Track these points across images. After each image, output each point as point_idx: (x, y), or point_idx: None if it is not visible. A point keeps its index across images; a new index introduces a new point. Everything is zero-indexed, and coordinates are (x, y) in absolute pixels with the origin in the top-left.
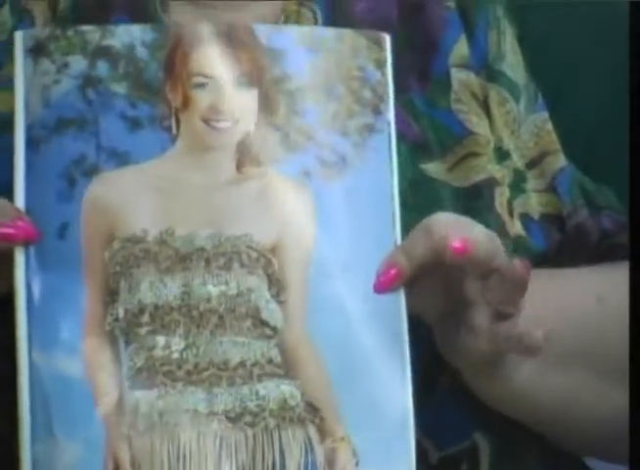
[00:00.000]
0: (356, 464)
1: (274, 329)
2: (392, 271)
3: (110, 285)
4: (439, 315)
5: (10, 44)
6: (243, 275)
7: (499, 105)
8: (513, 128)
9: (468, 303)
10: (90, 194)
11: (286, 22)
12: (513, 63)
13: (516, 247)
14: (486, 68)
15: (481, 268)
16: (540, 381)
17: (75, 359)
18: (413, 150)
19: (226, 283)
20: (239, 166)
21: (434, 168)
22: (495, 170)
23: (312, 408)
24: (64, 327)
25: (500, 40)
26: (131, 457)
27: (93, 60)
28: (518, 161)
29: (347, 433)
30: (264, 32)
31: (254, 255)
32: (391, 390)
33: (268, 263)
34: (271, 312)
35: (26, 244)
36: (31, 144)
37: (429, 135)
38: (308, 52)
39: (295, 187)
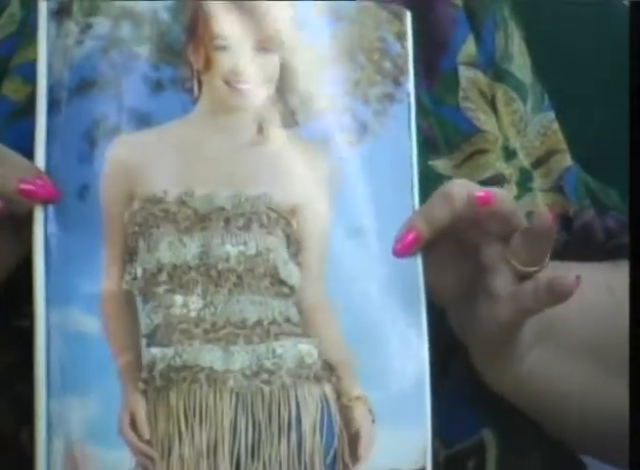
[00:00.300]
0: (372, 422)
1: (292, 288)
2: (412, 235)
3: (128, 244)
4: (456, 288)
5: (20, 33)
6: (261, 235)
7: (506, 104)
8: (519, 128)
9: (487, 268)
10: (110, 155)
11: None
12: (520, 63)
13: None
14: (493, 67)
15: (503, 225)
16: (550, 367)
17: (93, 317)
18: (421, 146)
19: (245, 243)
20: (259, 129)
21: (441, 165)
22: (503, 168)
23: (329, 367)
24: (82, 285)
25: (507, 41)
26: (147, 413)
27: (116, 21)
28: (524, 159)
29: (364, 392)
30: (285, 2)
31: (274, 215)
32: (408, 350)
33: (287, 224)
34: (289, 272)
35: (46, 203)
36: (53, 105)
37: (436, 132)
38: (330, 21)
39: (314, 151)
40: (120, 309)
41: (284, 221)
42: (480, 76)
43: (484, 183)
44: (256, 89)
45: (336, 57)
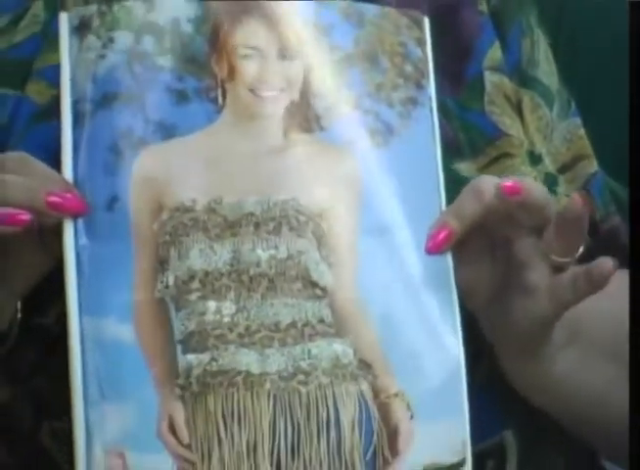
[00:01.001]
0: (411, 418)
1: (324, 290)
2: (444, 232)
3: (159, 254)
4: (489, 287)
5: (45, 35)
6: (292, 238)
7: (532, 110)
8: (545, 133)
9: (522, 264)
10: (138, 167)
11: None
12: (546, 70)
13: None
14: (519, 73)
15: (535, 216)
16: (581, 369)
17: (127, 325)
18: (445, 150)
19: (275, 247)
20: (286, 133)
21: (465, 168)
22: (528, 171)
23: (365, 365)
24: (114, 295)
25: (534, 48)
26: (185, 418)
27: (138, 35)
28: (550, 165)
29: (401, 388)
30: (308, 7)
31: (303, 218)
32: (442, 344)
33: (317, 227)
34: (321, 274)
35: (75, 216)
36: (78, 119)
37: (460, 136)
38: (353, 26)
39: (341, 153)
40: (154, 318)
41: (313, 224)
42: (505, 81)
43: None
44: (281, 95)
45: (358, 61)
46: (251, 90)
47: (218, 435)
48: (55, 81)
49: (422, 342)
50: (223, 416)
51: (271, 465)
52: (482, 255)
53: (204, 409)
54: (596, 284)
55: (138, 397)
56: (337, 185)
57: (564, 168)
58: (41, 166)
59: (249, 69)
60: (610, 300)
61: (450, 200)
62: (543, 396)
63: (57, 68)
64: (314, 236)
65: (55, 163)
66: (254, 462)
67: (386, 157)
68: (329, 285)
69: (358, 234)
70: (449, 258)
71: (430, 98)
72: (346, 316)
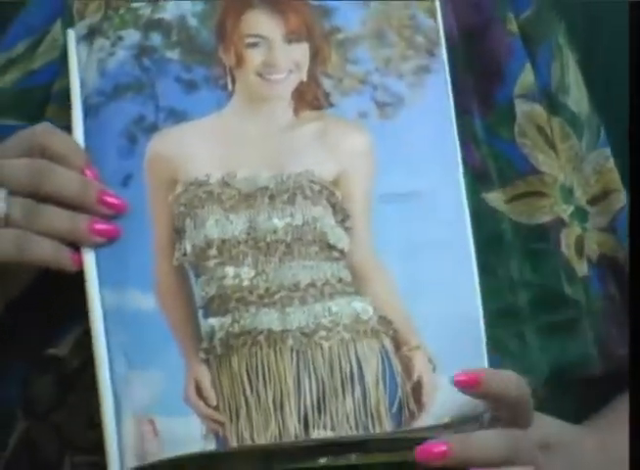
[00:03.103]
0: (433, 370)
1: (342, 252)
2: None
3: (175, 224)
4: None
5: (63, 59)
6: (307, 206)
7: (562, 140)
8: (575, 164)
9: None
10: (151, 148)
11: None
12: (576, 96)
13: (584, 288)
14: (550, 99)
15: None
16: None
17: (149, 295)
18: (473, 177)
19: (291, 215)
20: (296, 112)
21: (493, 198)
22: (562, 210)
23: (385, 321)
24: (134, 266)
25: (563, 71)
26: (211, 379)
27: (146, 32)
28: (580, 198)
29: (422, 341)
30: None
31: (317, 188)
32: (460, 299)
33: (331, 195)
34: (338, 237)
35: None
36: (89, 111)
37: (489, 164)
38: (358, 6)
39: (352, 126)
40: (174, 285)
41: (327, 192)
42: (537, 110)
43: (544, 227)
44: (289, 77)
45: (365, 39)
46: (260, 75)
47: (244, 394)
48: None
49: (440, 299)
50: (248, 376)
51: (298, 421)
52: None
53: (228, 370)
54: None
55: (164, 363)
56: (349, 156)
57: (593, 201)
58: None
59: (256, 56)
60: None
61: (478, 229)
62: None
63: None
64: (329, 203)
65: None
66: (282, 419)
67: (398, 126)
68: (346, 248)
69: (374, 200)
70: (467, 221)
71: (443, 64)
72: (365, 276)
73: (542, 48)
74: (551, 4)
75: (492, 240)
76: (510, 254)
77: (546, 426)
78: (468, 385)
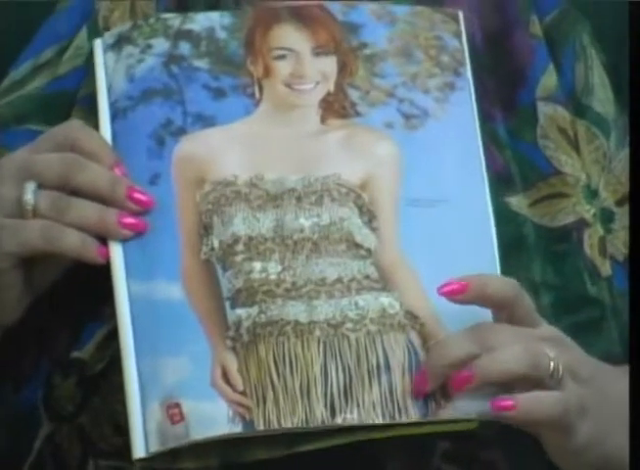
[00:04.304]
0: None
1: (368, 250)
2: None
3: (203, 220)
4: None
5: (88, 66)
6: (334, 207)
7: (588, 141)
8: (603, 165)
9: None
10: (180, 149)
11: None
12: (601, 97)
13: (608, 288)
14: (574, 101)
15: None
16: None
17: (176, 285)
18: (496, 182)
19: (318, 215)
20: (323, 120)
21: (516, 202)
22: (584, 211)
23: (412, 316)
24: (161, 259)
25: (588, 73)
26: (238, 366)
27: (175, 41)
28: (607, 198)
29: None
30: (337, 9)
31: (344, 190)
32: None
33: (358, 197)
34: (364, 236)
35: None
36: (117, 114)
37: (512, 168)
38: (385, 25)
39: (378, 134)
40: (201, 277)
41: (354, 195)
42: (559, 112)
43: (565, 228)
44: (316, 88)
45: (392, 56)
46: (288, 85)
47: (271, 380)
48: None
49: None
50: (275, 362)
51: (325, 407)
52: None
53: (255, 357)
54: None
55: (191, 350)
56: (376, 161)
57: (624, 200)
58: (98, 136)
59: (284, 67)
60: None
61: (500, 233)
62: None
63: None
64: (355, 205)
65: None
66: (309, 404)
67: (422, 137)
68: (373, 247)
69: (400, 204)
70: (492, 227)
71: (468, 82)
72: (392, 274)
73: (566, 49)
74: (577, 5)
75: (515, 243)
76: (532, 256)
77: (577, 354)
78: (455, 292)
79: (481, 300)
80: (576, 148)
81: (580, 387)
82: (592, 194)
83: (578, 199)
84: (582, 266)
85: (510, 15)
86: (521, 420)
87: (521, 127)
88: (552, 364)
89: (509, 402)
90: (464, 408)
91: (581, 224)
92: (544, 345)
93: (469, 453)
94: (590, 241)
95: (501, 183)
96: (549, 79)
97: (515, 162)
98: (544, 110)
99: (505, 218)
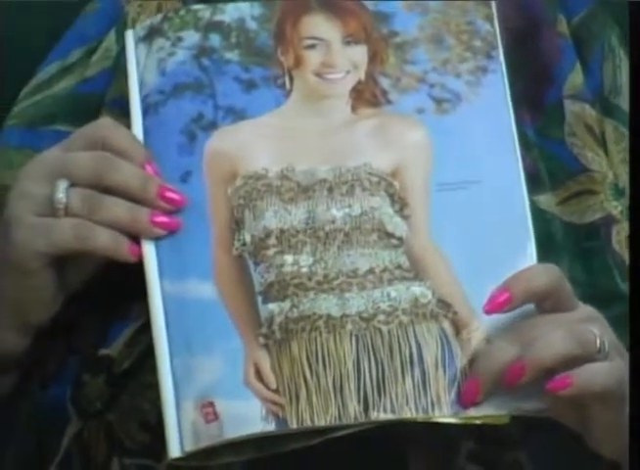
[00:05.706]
0: None
1: (400, 239)
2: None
3: (234, 215)
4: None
5: (116, 68)
6: (365, 197)
7: (616, 141)
8: None
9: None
10: (210, 145)
11: None
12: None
13: None
14: (602, 101)
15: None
16: None
17: (207, 283)
18: (525, 181)
19: (349, 206)
20: (354, 109)
21: (545, 201)
22: (612, 207)
23: (444, 304)
24: (193, 257)
25: (615, 72)
26: (271, 363)
27: (205, 33)
28: None
29: (482, 324)
30: (369, 2)
31: (375, 179)
32: None
33: (389, 185)
34: (396, 225)
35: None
36: (148, 109)
37: (540, 167)
38: (416, 14)
39: (409, 120)
40: (233, 274)
41: (386, 183)
42: (587, 110)
43: (593, 225)
44: (347, 77)
45: (423, 40)
46: (318, 75)
47: (304, 377)
48: (126, 111)
49: (499, 280)
50: (308, 359)
51: (358, 403)
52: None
53: (288, 355)
54: None
55: (224, 348)
56: (407, 148)
57: None
58: (129, 134)
59: (314, 57)
60: None
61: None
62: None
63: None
64: (387, 193)
65: None
66: (342, 400)
67: (454, 121)
68: (404, 235)
69: (431, 190)
70: (527, 208)
71: (500, 64)
72: (423, 261)
73: (594, 49)
74: (606, 6)
75: (543, 242)
76: (561, 255)
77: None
78: (502, 305)
79: (530, 299)
80: (603, 145)
81: (624, 361)
82: (620, 192)
83: (606, 195)
84: (611, 263)
85: (536, 13)
86: (579, 395)
87: (548, 126)
88: (598, 340)
89: (567, 379)
90: (497, 405)
91: (609, 221)
92: (587, 324)
93: (493, 454)
94: (618, 237)
95: (529, 182)
96: (576, 77)
97: (543, 160)
98: (571, 108)
99: (533, 217)
